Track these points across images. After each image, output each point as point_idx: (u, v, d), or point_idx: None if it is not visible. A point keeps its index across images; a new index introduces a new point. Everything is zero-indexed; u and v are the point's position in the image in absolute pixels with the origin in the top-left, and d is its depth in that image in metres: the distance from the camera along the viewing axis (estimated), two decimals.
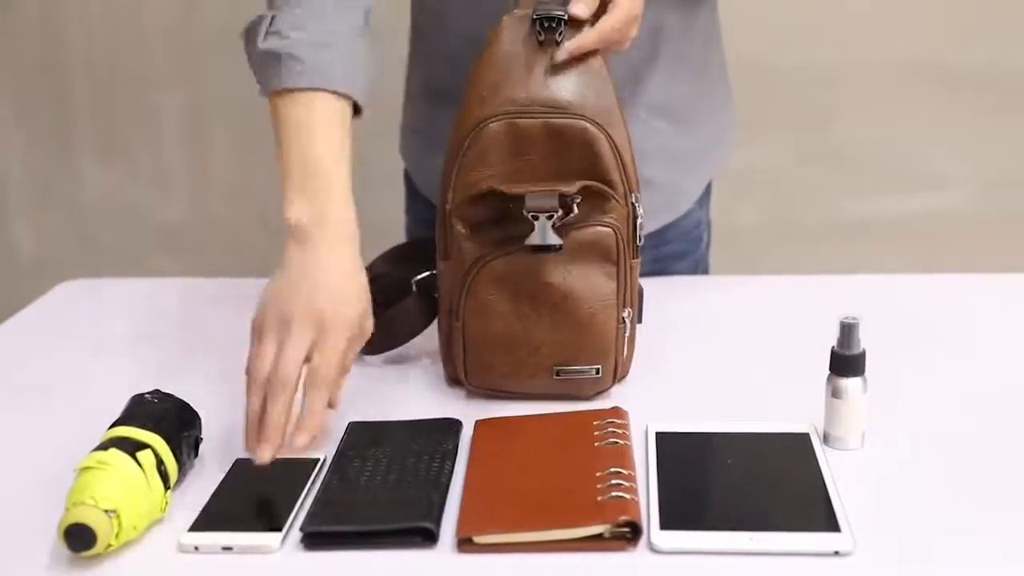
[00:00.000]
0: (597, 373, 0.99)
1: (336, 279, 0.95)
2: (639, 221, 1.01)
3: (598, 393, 1.01)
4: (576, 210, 0.96)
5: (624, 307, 0.99)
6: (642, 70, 1.20)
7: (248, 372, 0.92)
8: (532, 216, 0.93)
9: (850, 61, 2.03)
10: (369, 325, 0.97)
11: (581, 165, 0.98)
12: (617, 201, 0.98)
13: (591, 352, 0.98)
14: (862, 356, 0.90)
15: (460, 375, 1.01)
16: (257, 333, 0.94)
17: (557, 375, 0.99)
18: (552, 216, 0.93)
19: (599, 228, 0.97)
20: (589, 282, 0.97)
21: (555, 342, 0.98)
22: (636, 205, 1.00)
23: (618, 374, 1.01)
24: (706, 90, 1.29)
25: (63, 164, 2.17)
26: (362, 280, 0.97)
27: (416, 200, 1.38)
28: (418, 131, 1.33)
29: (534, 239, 0.93)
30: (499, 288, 0.97)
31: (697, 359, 1.10)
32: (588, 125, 0.98)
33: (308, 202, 0.97)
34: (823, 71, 2.04)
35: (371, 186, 2.05)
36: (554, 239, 0.93)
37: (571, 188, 0.94)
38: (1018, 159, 2.09)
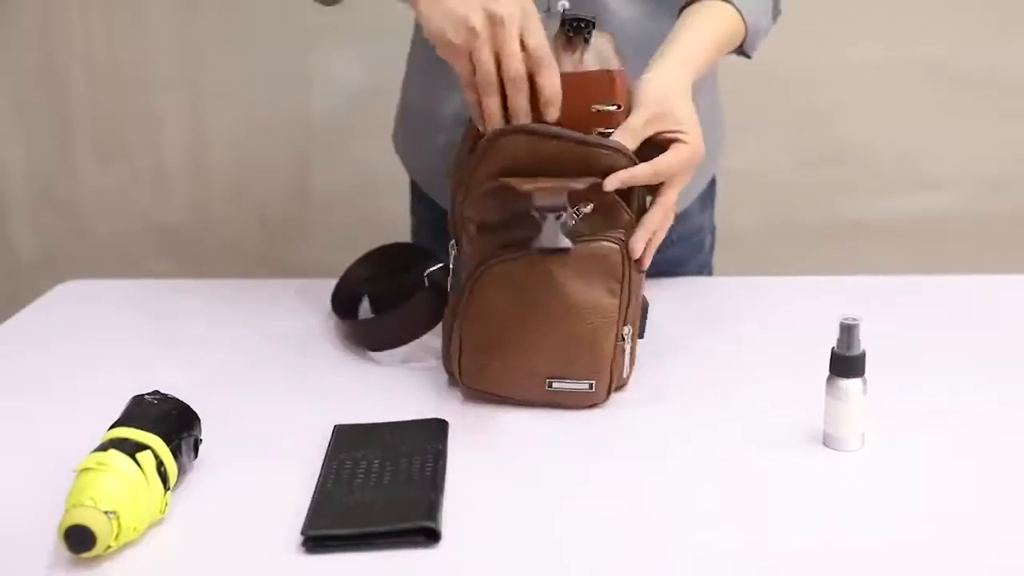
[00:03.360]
0: (591, 388, 0.98)
1: None
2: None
3: (590, 406, 1.00)
4: (581, 217, 0.94)
5: (625, 324, 0.99)
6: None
7: (474, 82, 0.95)
8: (540, 216, 0.92)
9: (850, 61, 2.03)
10: None
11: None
12: (629, 215, 0.97)
13: (586, 367, 0.98)
14: (862, 357, 0.90)
15: (455, 372, 1.01)
16: (462, 39, 0.94)
17: (550, 386, 0.98)
18: (560, 216, 0.92)
19: (606, 243, 0.96)
20: (592, 297, 0.96)
21: (551, 353, 0.97)
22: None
23: (613, 389, 1.00)
24: (708, 99, 1.29)
25: (63, 164, 2.17)
26: None
27: (419, 201, 1.37)
28: (413, 111, 1.31)
29: (541, 241, 0.92)
30: (501, 292, 0.97)
31: (696, 359, 1.10)
32: (606, 151, 0.95)
33: None
34: (823, 71, 2.04)
35: (374, 187, 2.06)
36: (564, 242, 0.92)
37: (581, 184, 0.92)
38: (1018, 159, 2.09)
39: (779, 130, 2.06)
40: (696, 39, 1.06)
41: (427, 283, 1.07)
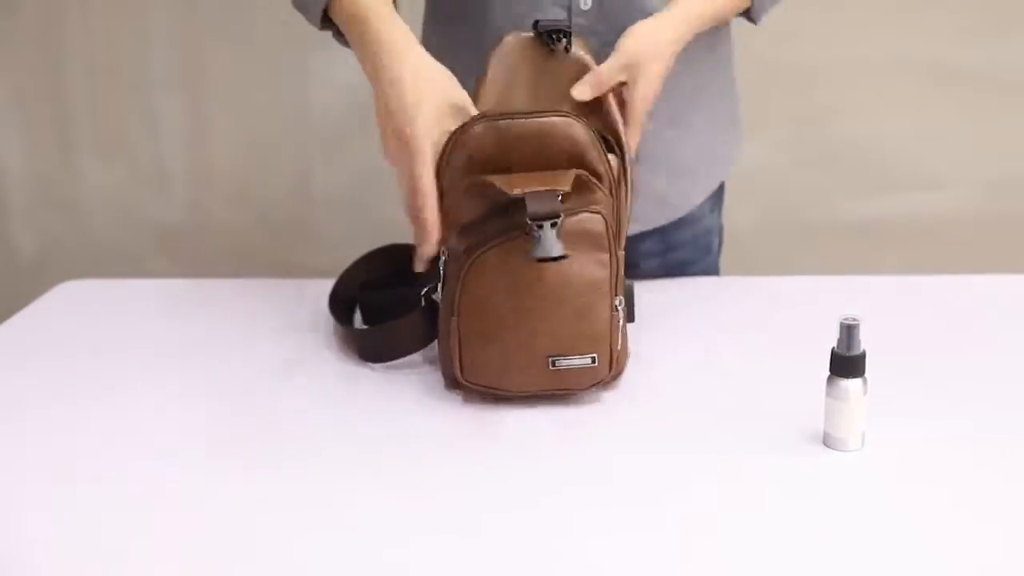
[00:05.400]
0: (593, 362, 0.98)
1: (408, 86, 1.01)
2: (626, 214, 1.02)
3: (594, 384, 1.01)
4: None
5: (616, 295, 0.99)
6: None
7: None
8: (536, 224, 0.92)
9: (850, 59, 2.03)
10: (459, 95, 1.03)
11: (567, 159, 0.98)
12: (603, 193, 0.99)
13: (586, 340, 0.98)
14: (862, 357, 0.90)
15: (456, 372, 1.01)
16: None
17: (553, 365, 0.98)
18: (556, 224, 0.92)
19: (589, 215, 0.97)
20: (582, 270, 0.97)
21: (549, 331, 0.97)
22: (627, 195, 1.01)
23: (613, 365, 1.01)
24: (704, 91, 1.28)
25: (63, 164, 2.17)
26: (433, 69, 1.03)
27: None
28: None
29: (540, 251, 0.91)
30: (492, 280, 0.97)
31: (696, 358, 1.10)
32: (570, 119, 0.97)
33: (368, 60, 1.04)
34: (823, 70, 2.04)
35: (374, 187, 2.06)
36: (559, 250, 0.92)
37: (566, 186, 0.93)
38: (1018, 159, 2.09)
39: (779, 129, 2.07)
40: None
41: (423, 302, 1.06)
